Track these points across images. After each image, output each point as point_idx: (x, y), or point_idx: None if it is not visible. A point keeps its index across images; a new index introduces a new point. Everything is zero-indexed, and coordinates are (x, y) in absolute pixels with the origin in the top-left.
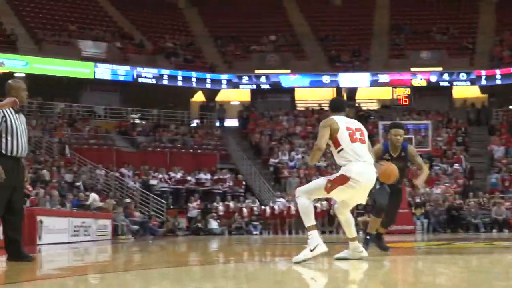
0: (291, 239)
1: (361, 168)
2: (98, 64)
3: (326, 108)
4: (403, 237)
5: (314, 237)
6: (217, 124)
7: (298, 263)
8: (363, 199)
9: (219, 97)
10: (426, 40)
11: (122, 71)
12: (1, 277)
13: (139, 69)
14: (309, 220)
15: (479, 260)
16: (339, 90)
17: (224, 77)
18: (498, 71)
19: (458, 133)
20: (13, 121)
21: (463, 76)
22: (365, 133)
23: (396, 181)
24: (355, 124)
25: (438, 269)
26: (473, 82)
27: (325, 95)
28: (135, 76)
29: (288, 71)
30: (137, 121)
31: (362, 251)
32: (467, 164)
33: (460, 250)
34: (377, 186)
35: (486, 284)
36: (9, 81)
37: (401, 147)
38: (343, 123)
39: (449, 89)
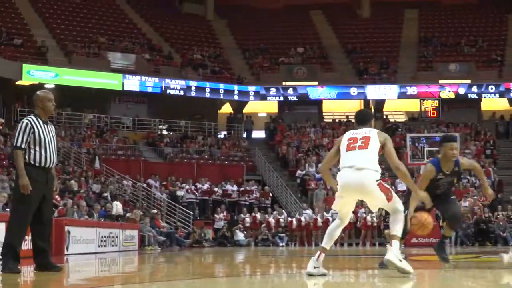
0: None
1: (344, 173)
2: (127, 76)
3: (353, 120)
4: (431, 250)
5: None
6: (244, 135)
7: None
8: (354, 205)
9: (247, 109)
10: (455, 53)
11: (150, 83)
12: (29, 287)
13: (167, 80)
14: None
15: (508, 274)
16: (366, 102)
17: (251, 88)
18: None
19: (487, 145)
20: (41, 132)
21: (491, 88)
22: (373, 140)
23: (445, 194)
24: (366, 133)
25: (465, 283)
26: (501, 95)
27: (352, 107)
28: (163, 88)
29: (316, 83)
30: (165, 132)
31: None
32: (495, 177)
33: (489, 264)
34: (448, 198)
35: None
36: (37, 92)
37: (455, 162)
38: (350, 134)
39: (477, 101)
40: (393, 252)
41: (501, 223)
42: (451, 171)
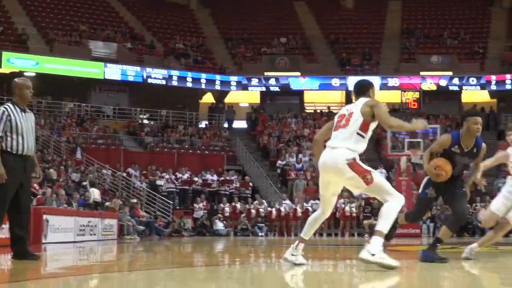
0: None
1: (322, 154)
2: (108, 65)
3: (335, 111)
4: (409, 241)
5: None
6: (226, 125)
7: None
8: (335, 188)
9: (228, 99)
10: (437, 45)
11: (131, 72)
12: (6, 275)
13: (149, 69)
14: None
15: (483, 264)
16: (348, 93)
17: (233, 78)
18: (508, 76)
19: None
20: (18, 119)
21: (473, 80)
22: (355, 116)
23: (456, 181)
24: (352, 108)
25: (442, 273)
26: (483, 87)
27: (334, 98)
28: (144, 77)
29: (298, 73)
30: (146, 121)
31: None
32: None
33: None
34: (457, 189)
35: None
36: (15, 79)
37: (476, 141)
38: (343, 110)
39: (458, 93)
40: (368, 250)
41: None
42: (470, 149)
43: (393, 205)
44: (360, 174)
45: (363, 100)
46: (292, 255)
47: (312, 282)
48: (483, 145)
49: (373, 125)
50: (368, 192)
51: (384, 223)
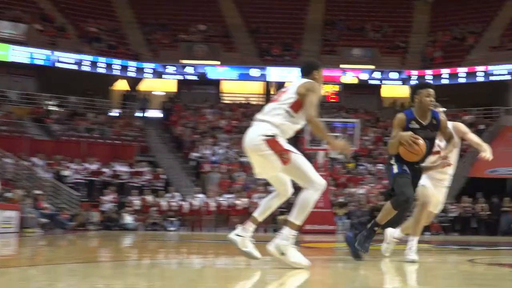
0: (208, 236)
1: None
2: (14, 47)
3: (253, 102)
4: (324, 237)
5: None
6: (139, 114)
7: None
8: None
9: (143, 87)
10: (359, 37)
11: (40, 55)
12: None
13: (59, 53)
14: None
15: (398, 261)
16: (267, 84)
17: (148, 66)
18: (429, 71)
19: (385, 133)
20: None
21: (394, 75)
22: (289, 92)
23: (421, 160)
24: (290, 86)
25: (357, 272)
26: (404, 82)
27: (253, 89)
28: (54, 61)
29: (217, 62)
30: (53, 108)
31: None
32: None
33: (379, 252)
34: (396, 169)
35: (402, 284)
36: None
37: (432, 114)
38: (283, 88)
39: (378, 87)
40: (276, 243)
41: None
42: (429, 123)
43: (311, 194)
44: (277, 151)
45: (303, 80)
46: (237, 235)
47: (220, 278)
48: (440, 114)
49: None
50: (285, 173)
51: (298, 214)
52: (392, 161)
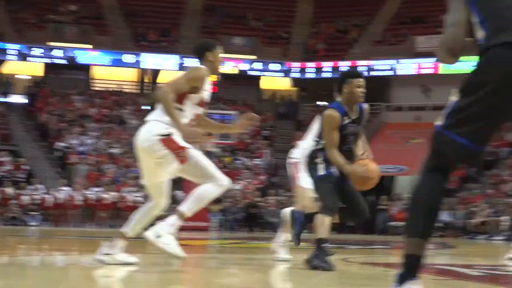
0: (73, 232)
1: None
2: None
3: (126, 90)
4: (196, 234)
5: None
6: (1, 99)
7: None
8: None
9: (6, 69)
10: (240, 25)
11: None
12: None
13: None
14: None
15: (273, 259)
16: (142, 71)
17: (12, 47)
18: (311, 64)
19: (264, 126)
20: None
21: (275, 66)
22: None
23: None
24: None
25: (230, 270)
26: (285, 74)
27: (126, 75)
28: None
29: (89, 46)
30: None
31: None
32: (271, 160)
33: (255, 250)
34: (321, 171)
35: (279, 283)
36: None
37: (358, 106)
38: None
39: (257, 79)
40: (156, 230)
41: (271, 208)
42: (358, 116)
43: (212, 189)
44: (173, 150)
45: (192, 66)
46: (105, 254)
47: (84, 277)
48: (365, 105)
49: (195, 97)
50: (183, 174)
51: (191, 205)
52: (319, 160)
